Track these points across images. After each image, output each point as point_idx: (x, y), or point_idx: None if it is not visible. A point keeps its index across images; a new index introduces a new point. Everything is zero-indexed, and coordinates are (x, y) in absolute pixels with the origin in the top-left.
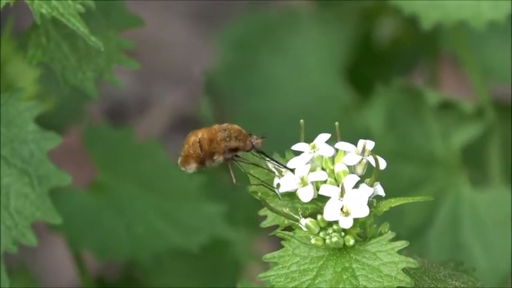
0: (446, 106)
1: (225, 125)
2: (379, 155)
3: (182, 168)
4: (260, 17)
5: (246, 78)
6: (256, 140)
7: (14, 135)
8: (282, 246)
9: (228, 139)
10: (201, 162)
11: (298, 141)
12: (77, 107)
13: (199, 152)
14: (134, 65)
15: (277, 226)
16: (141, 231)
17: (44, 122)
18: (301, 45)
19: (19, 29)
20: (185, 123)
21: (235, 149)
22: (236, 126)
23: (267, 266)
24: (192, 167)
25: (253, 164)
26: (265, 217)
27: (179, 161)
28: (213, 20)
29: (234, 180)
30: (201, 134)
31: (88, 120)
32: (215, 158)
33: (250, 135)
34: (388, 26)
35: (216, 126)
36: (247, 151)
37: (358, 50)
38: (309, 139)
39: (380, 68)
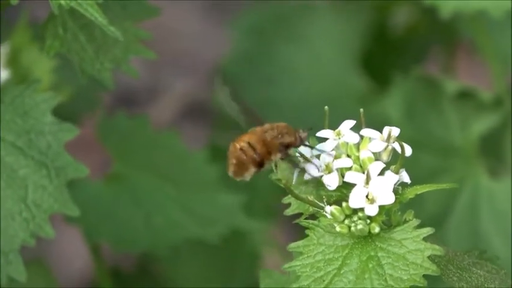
0: (464, 95)
1: (267, 125)
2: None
3: (238, 179)
4: (275, 6)
5: (261, 67)
6: (303, 134)
7: (31, 127)
8: (306, 235)
9: (280, 136)
10: (259, 164)
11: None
12: (91, 97)
13: (254, 155)
14: (151, 55)
15: (299, 215)
16: (159, 222)
17: (58, 111)
18: (316, 33)
19: (33, 19)
20: (195, 112)
21: (288, 145)
22: (283, 123)
23: (285, 255)
24: (251, 171)
25: (306, 159)
26: (284, 206)
27: (231, 172)
28: (223, 9)
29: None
30: (247, 139)
31: (102, 110)
32: (272, 157)
33: (296, 129)
34: (402, 14)
35: (258, 128)
36: (297, 146)
37: (372, 39)
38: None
39: (395, 57)
